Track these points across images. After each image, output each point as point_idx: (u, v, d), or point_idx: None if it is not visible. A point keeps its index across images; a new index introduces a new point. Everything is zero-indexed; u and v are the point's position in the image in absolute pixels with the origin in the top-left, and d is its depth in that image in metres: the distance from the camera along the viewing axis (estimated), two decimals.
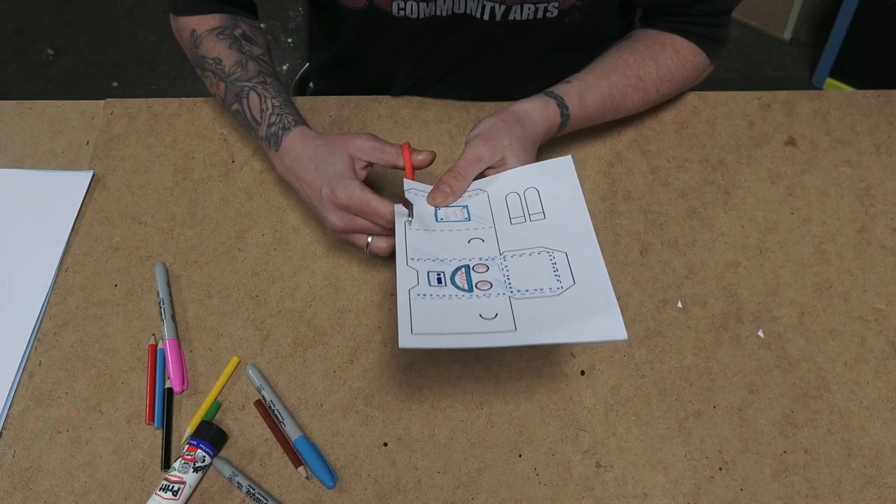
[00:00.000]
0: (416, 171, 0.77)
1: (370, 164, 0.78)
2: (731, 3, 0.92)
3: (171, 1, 0.92)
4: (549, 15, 0.89)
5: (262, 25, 0.97)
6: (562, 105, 0.83)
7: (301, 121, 0.82)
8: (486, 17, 0.89)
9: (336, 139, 0.79)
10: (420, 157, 0.77)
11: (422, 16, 0.90)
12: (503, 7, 0.87)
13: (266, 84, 0.85)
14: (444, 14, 0.90)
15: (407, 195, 0.75)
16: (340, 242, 0.85)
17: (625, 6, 0.98)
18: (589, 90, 0.85)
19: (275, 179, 0.90)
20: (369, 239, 0.77)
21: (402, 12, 0.89)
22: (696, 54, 0.91)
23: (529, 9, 0.88)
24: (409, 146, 0.77)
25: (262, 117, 0.83)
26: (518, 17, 0.89)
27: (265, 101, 0.83)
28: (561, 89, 0.84)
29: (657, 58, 0.89)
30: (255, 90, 0.84)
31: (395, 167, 0.77)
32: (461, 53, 0.95)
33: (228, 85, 0.86)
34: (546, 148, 0.88)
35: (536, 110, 0.81)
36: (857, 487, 0.70)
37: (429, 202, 0.75)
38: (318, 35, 1.09)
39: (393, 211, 0.73)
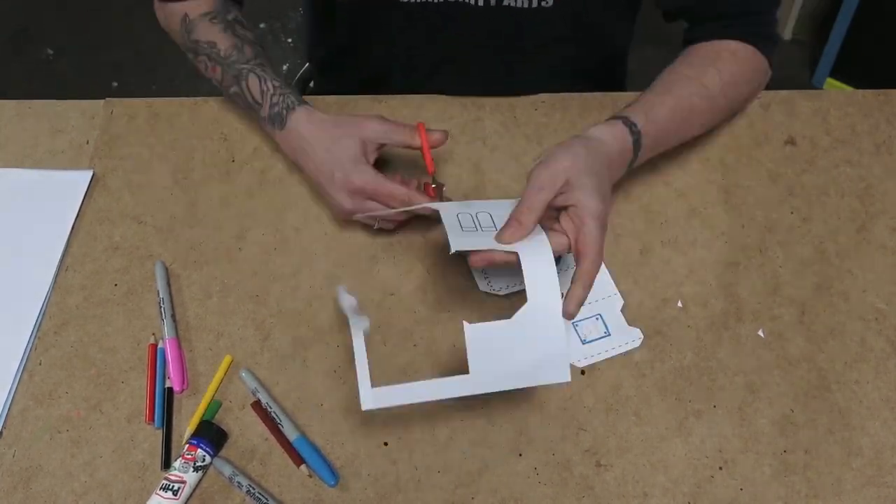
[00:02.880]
0: (431, 150, 0.80)
1: (381, 146, 0.80)
2: (768, 1, 0.89)
3: None
4: (544, 4, 0.89)
5: (262, 25, 0.97)
6: (629, 123, 0.77)
7: (303, 101, 0.84)
8: (480, 2, 0.89)
9: (346, 121, 0.81)
10: (435, 136, 0.80)
11: (415, 0, 0.90)
12: None
13: (265, 67, 0.86)
14: (437, 0, 0.90)
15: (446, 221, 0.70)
16: (340, 242, 0.85)
17: (630, 5, 0.98)
18: (654, 106, 0.80)
19: (275, 179, 0.90)
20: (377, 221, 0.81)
21: None
22: (753, 53, 0.87)
23: None
24: (424, 126, 0.80)
25: (262, 98, 0.84)
26: (513, 4, 0.89)
27: (265, 82, 0.84)
28: (624, 110, 0.79)
29: (716, 63, 0.84)
30: (255, 72, 0.85)
31: (410, 147, 0.80)
32: (458, 43, 0.95)
33: (225, 68, 0.86)
34: None
35: (602, 131, 0.75)
36: (857, 487, 0.70)
37: (498, 239, 0.68)
38: (316, 29, 1.09)
39: (407, 192, 0.77)
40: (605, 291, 0.81)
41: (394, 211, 0.78)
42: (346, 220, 0.83)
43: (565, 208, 0.69)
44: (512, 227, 0.68)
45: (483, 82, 0.96)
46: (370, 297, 0.81)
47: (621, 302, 0.80)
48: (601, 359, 0.77)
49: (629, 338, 0.78)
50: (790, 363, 0.77)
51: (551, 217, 0.71)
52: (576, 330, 0.78)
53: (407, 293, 0.81)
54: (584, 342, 0.78)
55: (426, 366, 0.77)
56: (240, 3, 0.95)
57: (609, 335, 0.78)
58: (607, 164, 0.73)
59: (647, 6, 0.99)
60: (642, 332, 0.78)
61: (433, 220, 0.82)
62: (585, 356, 0.77)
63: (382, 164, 0.88)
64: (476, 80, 0.97)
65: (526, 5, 0.89)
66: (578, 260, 0.68)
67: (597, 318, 0.79)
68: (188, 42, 0.90)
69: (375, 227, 0.82)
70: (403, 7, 0.91)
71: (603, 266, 0.80)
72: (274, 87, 0.84)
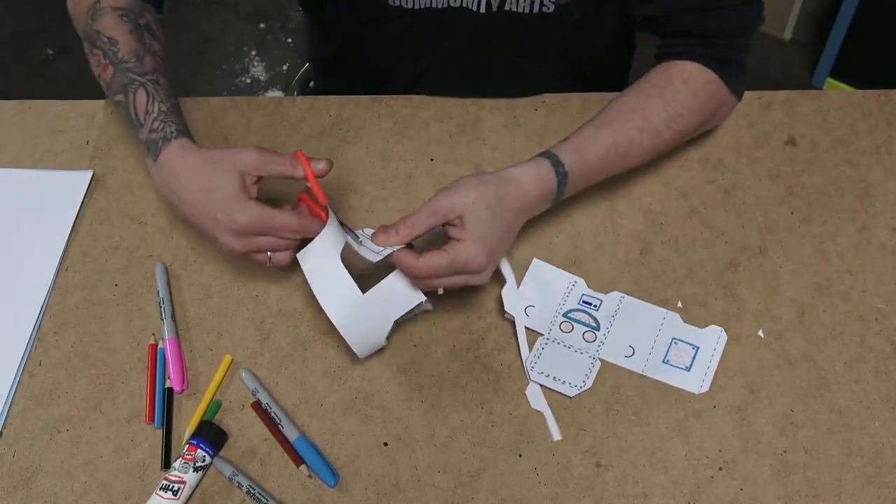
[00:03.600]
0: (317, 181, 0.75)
1: (260, 178, 0.76)
2: (744, 20, 0.85)
3: None
4: (545, 10, 0.89)
5: (261, 25, 0.97)
6: (556, 163, 0.76)
7: (184, 131, 0.78)
8: (482, 9, 0.89)
9: (221, 156, 0.74)
10: (319, 166, 0.75)
11: (417, 6, 0.90)
12: None
13: (158, 84, 0.80)
14: (439, 6, 0.90)
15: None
16: None
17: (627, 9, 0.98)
18: (588, 143, 0.78)
19: (275, 178, 0.89)
20: (269, 254, 0.75)
21: (396, 1, 0.89)
22: (709, 81, 0.83)
23: (525, 0, 0.88)
24: (304, 154, 0.75)
25: (145, 119, 0.78)
26: (514, 9, 0.89)
27: (153, 102, 0.78)
28: (556, 147, 0.78)
29: (663, 94, 0.82)
30: (146, 87, 0.79)
31: (292, 178, 0.75)
32: (460, 48, 0.95)
33: (118, 72, 0.80)
34: None
35: (526, 174, 0.75)
36: (857, 487, 0.70)
37: (372, 239, 0.73)
38: (316, 31, 1.09)
39: (299, 222, 0.73)
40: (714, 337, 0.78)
41: (283, 243, 0.74)
42: (238, 258, 0.78)
43: (451, 239, 0.72)
44: (386, 233, 0.72)
45: (484, 85, 0.96)
46: None
47: (719, 353, 0.77)
48: (661, 381, 0.75)
49: (698, 381, 0.75)
50: (790, 363, 0.77)
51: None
52: (669, 349, 0.77)
53: None
54: (663, 362, 0.76)
55: (426, 366, 0.77)
56: (158, 10, 0.90)
57: (688, 370, 0.76)
58: (517, 208, 0.75)
59: None
60: (711, 383, 0.76)
61: None
62: (655, 373, 0.76)
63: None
64: (477, 83, 0.97)
65: (527, 11, 0.89)
66: (408, 251, 0.71)
67: (693, 349, 0.77)
68: (90, 30, 0.84)
69: (268, 265, 0.76)
70: (404, 13, 0.91)
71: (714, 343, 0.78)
72: (160, 110, 0.78)
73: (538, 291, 0.81)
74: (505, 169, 0.76)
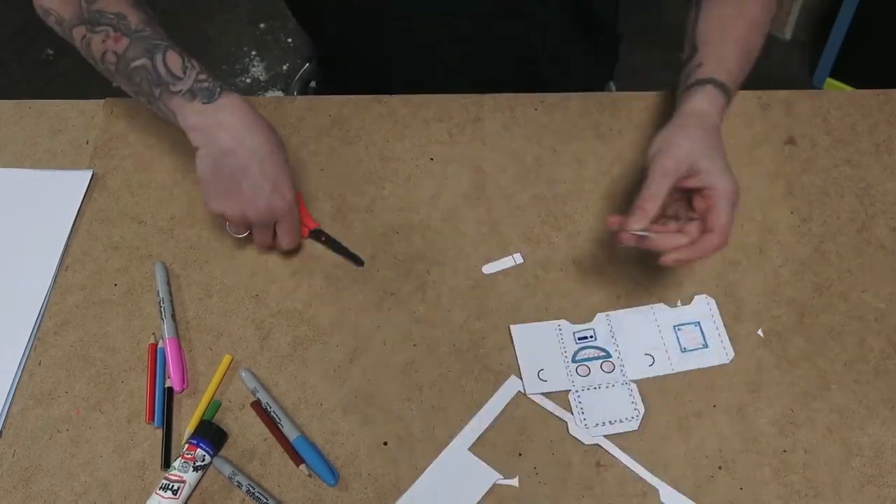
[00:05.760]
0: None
1: None
2: None
3: None
4: None
5: (262, 25, 0.97)
6: (718, 85, 0.78)
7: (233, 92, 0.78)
8: None
9: (281, 150, 0.79)
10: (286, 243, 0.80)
11: None
12: None
13: (183, 51, 0.79)
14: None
15: None
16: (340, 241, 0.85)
17: None
18: (728, 59, 0.80)
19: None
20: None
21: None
22: None
23: None
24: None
25: (185, 73, 0.76)
26: None
27: (189, 61, 0.77)
28: (705, 72, 0.79)
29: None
30: (174, 49, 0.77)
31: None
32: (464, 32, 0.96)
33: (135, 40, 0.78)
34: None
35: (703, 102, 0.77)
36: (857, 487, 0.70)
37: (627, 228, 0.71)
38: (317, 26, 1.09)
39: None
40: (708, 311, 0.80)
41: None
42: (214, 213, 0.79)
43: (699, 190, 0.73)
44: (637, 215, 0.71)
45: (496, 76, 0.96)
46: (370, 297, 0.81)
47: (718, 317, 0.78)
48: (691, 368, 0.76)
49: (721, 352, 0.76)
50: (790, 363, 0.77)
51: (677, 200, 0.75)
52: (678, 337, 0.78)
53: (407, 293, 0.81)
54: (683, 351, 0.77)
55: (426, 366, 0.77)
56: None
57: (706, 347, 0.77)
58: (713, 128, 0.76)
59: (648, 8, 0.99)
60: (732, 347, 0.77)
61: None
62: (682, 364, 0.76)
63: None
64: (487, 74, 0.97)
65: None
66: (704, 235, 0.71)
67: (695, 326, 0.78)
68: (87, 12, 0.80)
69: (228, 232, 0.81)
70: (376, 7, 0.91)
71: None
72: (201, 67, 0.77)
73: (537, 352, 0.78)
74: (681, 109, 0.77)
